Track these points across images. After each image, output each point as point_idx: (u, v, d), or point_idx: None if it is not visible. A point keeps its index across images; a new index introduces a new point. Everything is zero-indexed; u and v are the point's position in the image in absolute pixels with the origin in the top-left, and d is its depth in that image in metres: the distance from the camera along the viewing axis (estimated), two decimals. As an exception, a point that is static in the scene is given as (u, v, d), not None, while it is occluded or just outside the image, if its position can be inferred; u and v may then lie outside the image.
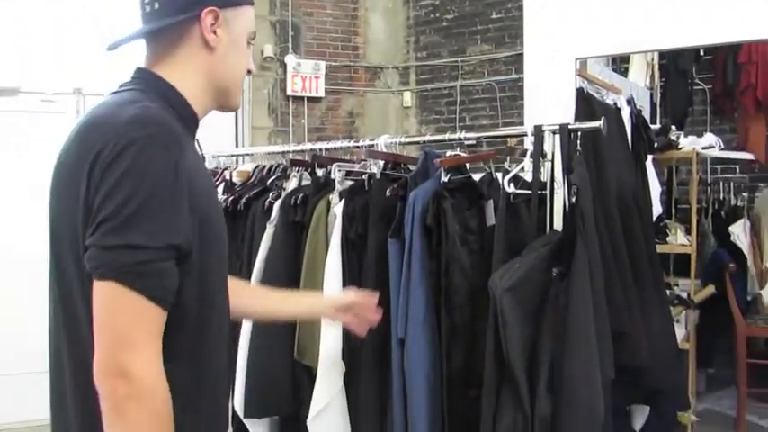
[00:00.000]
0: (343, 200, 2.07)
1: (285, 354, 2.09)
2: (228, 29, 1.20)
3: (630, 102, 2.70)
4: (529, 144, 1.86)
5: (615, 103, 2.56)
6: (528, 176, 1.83)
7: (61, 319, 1.13)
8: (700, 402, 3.75)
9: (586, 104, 2.36)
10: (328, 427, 1.96)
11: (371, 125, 5.64)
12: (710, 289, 3.61)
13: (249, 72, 1.28)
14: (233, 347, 2.06)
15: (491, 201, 1.92)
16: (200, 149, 1.33)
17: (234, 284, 1.31)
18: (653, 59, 4.75)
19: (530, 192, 1.80)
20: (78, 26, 4.17)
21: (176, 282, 1.05)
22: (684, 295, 3.23)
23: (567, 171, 1.77)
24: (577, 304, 1.62)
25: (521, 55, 4.03)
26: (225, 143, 4.72)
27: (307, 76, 5.36)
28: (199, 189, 1.10)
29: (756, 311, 4.08)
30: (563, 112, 2.29)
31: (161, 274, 1.02)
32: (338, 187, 2.13)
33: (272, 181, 2.45)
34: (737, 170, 4.80)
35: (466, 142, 2.22)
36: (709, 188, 4.59)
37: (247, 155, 3.43)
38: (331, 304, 1.70)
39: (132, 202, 1.00)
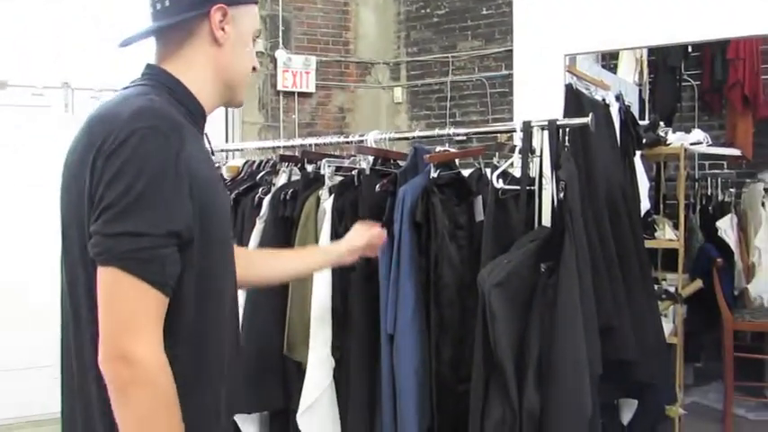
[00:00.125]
0: (332, 195, 2.07)
1: (275, 348, 2.09)
2: (236, 26, 1.23)
3: (619, 98, 2.72)
4: (518, 140, 1.87)
5: (604, 100, 2.57)
6: (517, 172, 1.84)
7: (70, 308, 1.15)
8: (687, 396, 3.78)
9: (575, 100, 2.36)
10: (318, 421, 1.97)
11: (362, 121, 5.63)
12: (698, 283, 3.64)
13: (254, 69, 1.31)
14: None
15: (480, 196, 1.93)
16: (209, 143, 1.34)
17: (242, 253, 1.33)
18: (642, 56, 4.78)
19: (518, 187, 1.81)
20: (73, 22, 4.14)
21: (177, 268, 1.07)
22: (672, 290, 3.26)
23: (555, 167, 1.78)
24: (565, 299, 1.64)
25: (511, 51, 4.04)
26: (215, 138, 4.69)
27: (297, 71, 5.33)
28: (201, 180, 1.11)
29: (743, 306, 4.11)
30: (552, 108, 2.29)
31: (162, 261, 1.04)
32: (328, 183, 2.13)
33: (262, 176, 2.44)
34: (725, 166, 4.83)
35: (455, 138, 2.23)
36: (696, 184, 4.62)
37: (237, 150, 3.42)
38: (345, 249, 1.72)
39: (133, 190, 1.03)
